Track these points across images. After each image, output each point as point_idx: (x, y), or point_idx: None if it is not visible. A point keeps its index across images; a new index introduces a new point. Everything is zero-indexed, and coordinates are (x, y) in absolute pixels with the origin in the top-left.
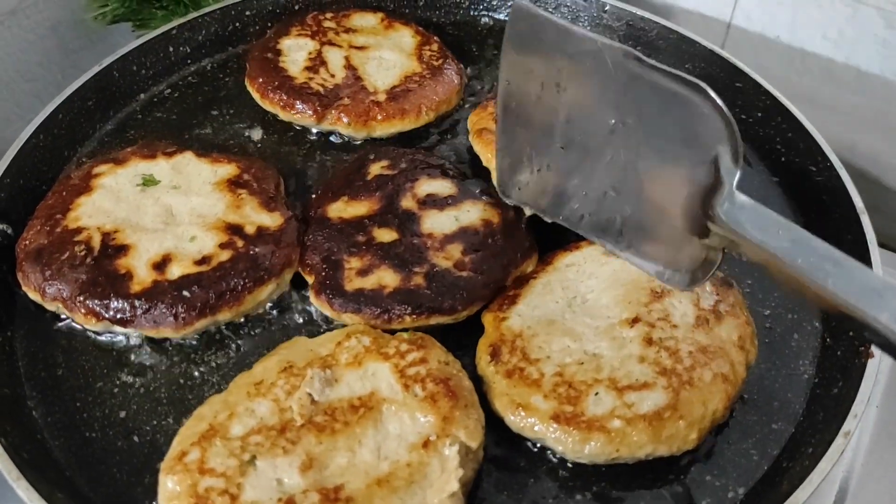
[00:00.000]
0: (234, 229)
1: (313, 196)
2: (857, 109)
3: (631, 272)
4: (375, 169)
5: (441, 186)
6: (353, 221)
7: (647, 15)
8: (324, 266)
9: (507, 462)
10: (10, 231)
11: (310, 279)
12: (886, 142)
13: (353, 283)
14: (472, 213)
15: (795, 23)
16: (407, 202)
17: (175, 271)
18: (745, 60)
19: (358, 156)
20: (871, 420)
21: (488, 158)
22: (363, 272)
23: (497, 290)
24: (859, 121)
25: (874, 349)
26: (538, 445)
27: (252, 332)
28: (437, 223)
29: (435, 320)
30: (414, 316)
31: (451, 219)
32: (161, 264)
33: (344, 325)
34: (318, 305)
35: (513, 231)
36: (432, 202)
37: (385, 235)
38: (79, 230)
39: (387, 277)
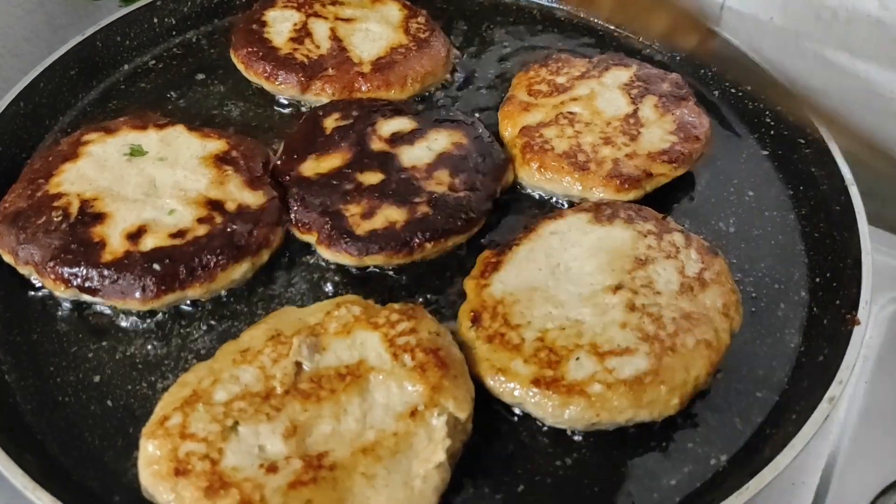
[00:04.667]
0: (215, 205)
1: (278, 163)
2: (850, 92)
3: (615, 240)
4: (330, 122)
5: (401, 124)
6: (333, 174)
7: None
8: (325, 219)
9: (487, 429)
10: None
11: (311, 237)
12: (883, 126)
13: (362, 227)
14: (440, 141)
15: (788, 4)
16: (376, 145)
17: (149, 243)
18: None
19: (307, 115)
20: (860, 396)
21: (504, 126)
22: (367, 215)
23: (493, 203)
24: (853, 104)
25: (860, 317)
26: (518, 412)
27: (231, 307)
28: (414, 156)
29: (452, 241)
30: (433, 242)
31: (424, 150)
32: (135, 235)
33: (331, 297)
34: (332, 256)
35: (485, 146)
36: (400, 139)
37: (371, 178)
38: (59, 196)
39: (393, 214)
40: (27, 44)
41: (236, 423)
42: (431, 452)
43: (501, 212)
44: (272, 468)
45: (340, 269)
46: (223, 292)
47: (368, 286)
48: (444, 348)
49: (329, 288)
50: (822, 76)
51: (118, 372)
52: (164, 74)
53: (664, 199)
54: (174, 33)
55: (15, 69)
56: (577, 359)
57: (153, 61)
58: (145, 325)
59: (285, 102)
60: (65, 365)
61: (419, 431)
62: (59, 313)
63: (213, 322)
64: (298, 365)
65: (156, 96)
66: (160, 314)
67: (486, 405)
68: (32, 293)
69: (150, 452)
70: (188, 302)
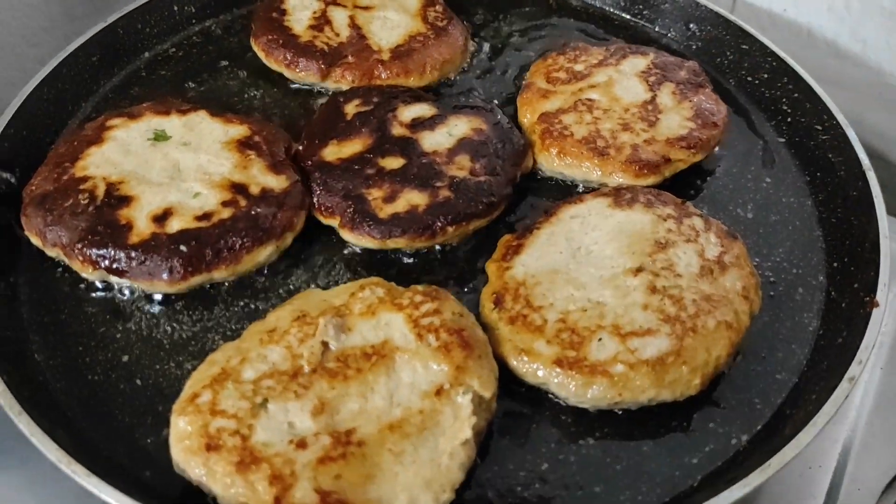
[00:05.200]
0: (239, 188)
1: (300, 148)
2: (863, 83)
3: (635, 224)
4: (351, 108)
5: (421, 109)
6: (354, 158)
7: None
8: (348, 203)
9: (511, 409)
10: (13, 180)
11: (333, 221)
12: (894, 116)
13: (384, 211)
14: (460, 126)
15: None
16: (397, 130)
17: (174, 225)
18: None
19: (328, 101)
20: (876, 382)
21: (523, 113)
22: (389, 199)
23: (514, 188)
24: (866, 95)
25: (878, 299)
26: (542, 392)
27: (256, 289)
28: (434, 141)
29: (474, 225)
30: (454, 225)
31: (444, 135)
32: (161, 217)
33: (353, 280)
34: (355, 239)
35: (504, 132)
36: (420, 125)
37: (393, 163)
38: (85, 179)
39: (415, 198)
40: (45, 34)
41: (265, 400)
42: (458, 430)
43: (521, 197)
44: (302, 444)
45: (363, 252)
46: (248, 274)
47: (390, 270)
48: (467, 329)
49: (352, 271)
50: (835, 67)
51: (146, 352)
52: (184, 62)
53: (682, 185)
54: (194, 21)
55: (33, 59)
56: (600, 339)
57: (173, 49)
58: (172, 307)
59: (306, 89)
60: (93, 345)
61: (445, 409)
62: (87, 295)
63: (238, 304)
64: (325, 345)
65: (176, 83)
66: (187, 296)
67: (510, 385)
68: (60, 275)
69: (182, 428)
70: (214, 284)
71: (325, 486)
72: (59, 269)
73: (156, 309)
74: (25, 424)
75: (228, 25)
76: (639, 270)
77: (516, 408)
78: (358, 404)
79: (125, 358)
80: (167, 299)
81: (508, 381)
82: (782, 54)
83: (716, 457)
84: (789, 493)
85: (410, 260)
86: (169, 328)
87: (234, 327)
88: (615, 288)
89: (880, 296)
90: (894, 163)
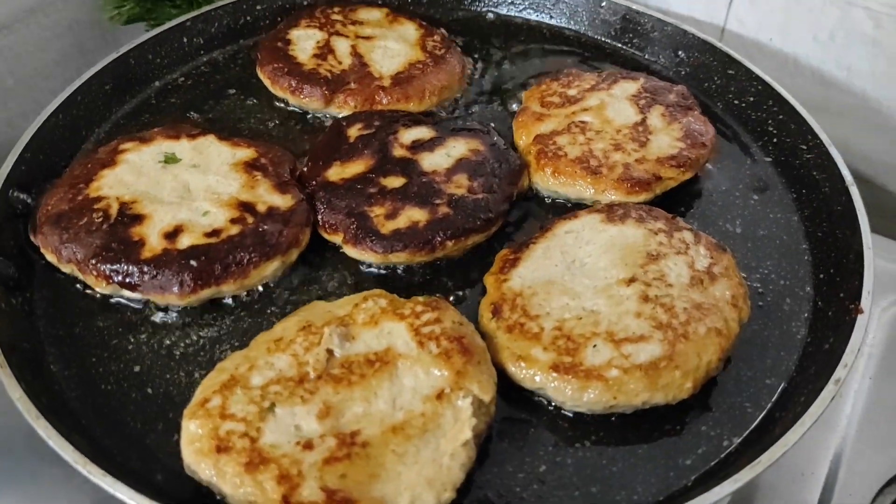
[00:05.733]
0: (246, 207)
1: (304, 169)
2: (849, 109)
3: (627, 238)
4: (353, 132)
5: (420, 132)
6: (357, 178)
7: (642, 9)
8: (351, 220)
9: (510, 415)
10: (29, 201)
11: (336, 238)
12: (879, 141)
13: (386, 227)
14: (458, 147)
15: (787, 25)
16: (398, 151)
17: (185, 241)
18: None
19: (331, 125)
20: (865, 392)
21: (519, 135)
22: (390, 216)
23: (510, 205)
24: (852, 120)
25: (863, 306)
26: (539, 398)
27: (262, 302)
28: (433, 162)
29: (472, 240)
30: (454, 240)
31: (443, 156)
32: (172, 234)
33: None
34: (358, 254)
35: (501, 153)
36: (420, 146)
37: (394, 182)
38: (99, 199)
39: (415, 214)
40: (57, 66)
41: (273, 404)
42: (458, 431)
43: (518, 214)
44: (308, 445)
45: (366, 266)
46: (255, 289)
47: (392, 284)
48: (467, 336)
49: (355, 285)
50: (821, 94)
51: (157, 362)
52: (192, 90)
53: (673, 203)
54: (201, 52)
55: (45, 90)
56: (594, 346)
57: (182, 78)
58: (181, 320)
59: (309, 115)
60: (106, 356)
61: (446, 412)
62: (99, 309)
63: (246, 316)
64: (330, 352)
65: (185, 110)
66: (196, 309)
67: (508, 391)
68: (73, 290)
69: (193, 431)
70: (222, 297)
71: (331, 484)
72: (73, 285)
73: (166, 321)
74: (43, 428)
75: (234, 56)
76: (631, 280)
77: (514, 413)
78: (362, 408)
79: (137, 368)
80: (177, 312)
81: (507, 387)
82: (767, 78)
83: (708, 458)
84: (782, 500)
85: (411, 274)
86: (179, 340)
87: (241, 338)
88: (609, 297)
89: (864, 303)
90: (880, 185)
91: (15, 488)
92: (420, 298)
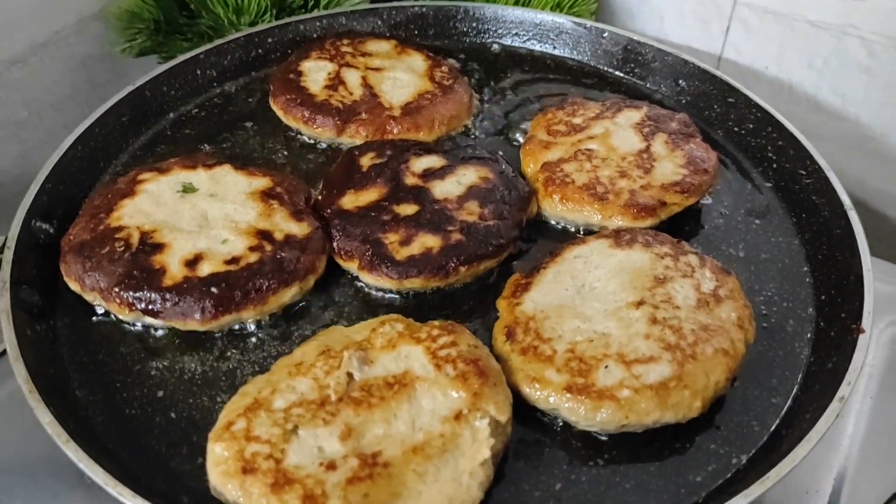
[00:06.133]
0: (264, 235)
1: (318, 198)
2: (843, 135)
3: (635, 262)
4: (366, 161)
5: (431, 161)
6: (371, 206)
7: (643, 39)
8: (366, 247)
9: (525, 436)
10: (51, 230)
11: (352, 264)
12: (874, 167)
13: (401, 253)
14: (469, 175)
15: (782, 54)
16: (410, 180)
17: (205, 269)
18: None
19: (344, 154)
20: (866, 411)
21: (526, 163)
22: (405, 242)
23: (520, 231)
24: (847, 146)
25: (864, 325)
26: (554, 420)
27: (281, 328)
28: (445, 189)
29: (484, 265)
30: (467, 266)
31: (454, 184)
32: (193, 262)
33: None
34: (374, 280)
35: (510, 181)
36: (432, 174)
37: (407, 210)
38: (120, 228)
39: (429, 241)
40: (69, 100)
41: (296, 426)
42: (476, 451)
43: (528, 240)
44: (331, 466)
45: (381, 293)
46: (274, 314)
47: (407, 309)
48: (483, 359)
49: (371, 310)
50: (816, 121)
51: (179, 387)
52: (206, 121)
53: (678, 228)
54: (214, 85)
55: (58, 123)
56: (606, 367)
57: (196, 110)
58: (203, 346)
59: (321, 145)
60: (129, 381)
61: (464, 433)
62: (122, 336)
63: (265, 341)
64: (350, 375)
65: (200, 141)
66: (216, 335)
67: (523, 413)
68: (96, 318)
69: (219, 454)
70: (242, 323)
71: (355, 503)
72: (96, 312)
73: (187, 347)
74: (73, 451)
75: (247, 87)
76: (640, 303)
77: (530, 435)
78: (382, 429)
79: (160, 393)
80: (198, 339)
81: (521, 408)
82: (766, 105)
83: (718, 475)
84: None
85: (425, 299)
86: (201, 366)
87: (262, 364)
88: (619, 320)
89: (866, 323)
90: (875, 209)
91: None
92: (436, 322)
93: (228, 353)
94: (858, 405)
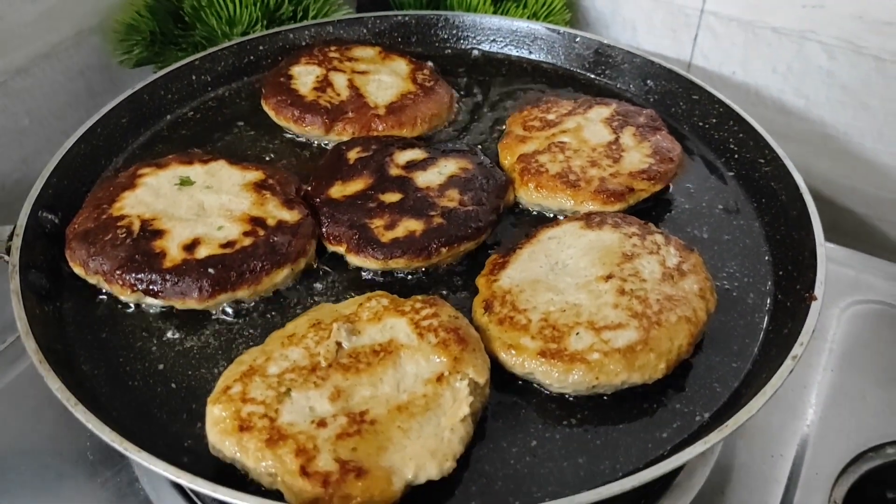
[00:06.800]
0: (257, 221)
1: (308, 189)
2: (808, 136)
3: (605, 241)
4: (353, 155)
5: (414, 154)
6: (357, 195)
7: (613, 42)
8: (353, 231)
9: (502, 400)
10: (56, 220)
11: (340, 248)
12: (838, 164)
13: (386, 236)
14: (450, 167)
15: (747, 59)
16: (394, 171)
17: (202, 252)
18: None
19: (332, 149)
20: (827, 384)
21: (504, 156)
22: (389, 227)
23: (498, 216)
24: (811, 146)
25: (816, 293)
26: (529, 384)
27: (273, 307)
28: (427, 179)
29: (464, 247)
30: (447, 247)
31: (436, 174)
32: (191, 246)
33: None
34: (361, 262)
35: (488, 170)
36: (414, 166)
37: (391, 197)
38: (122, 217)
39: (412, 225)
40: (69, 107)
41: (289, 389)
42: (457, 408)
43: (505, 225)
44: (322, 423)
45: (368, 274)
46: (267, 294)
47: (392, 289)
48: (462, 328)
49: (358, 290)
50: (782, 122)
51: (179, 361)
52: (202, 123)
53: (645, 213)
54: (209, 89)
55: (58, 131)
56: (577, 333)
57: (191, 112)
58: (201, 324)
59: (310, 143)
60: (132, 356)
61: (445, 393)
62: (124, 315)
63: (259, 319)
64: (338, 345)
65: (196, 141)
66: (213, 313)
67: (501, 379)
68: (99, 299)
69: (217, 414)
70: (237, 302)
71: (344, 456)
72: (99, 294)
73: (185, 325)
74: (82, 413)
75: (239, 91)
76: (609, 277)
77: (507, 399)
78: (369, 391)
79: (161, 366)
80: (196, 317)
81: (499, 376)
82: (728, 101)
83: (682, 431)
84: (756, 479)
85: (410, 278)
86: (198, 341)
87: (256, 339)
88: (589, 292)
89: (818, 291)
90: (840, 205)
91: (44, 490)
92: (418, 297)
93: (225, 330)
94: (820, 377)
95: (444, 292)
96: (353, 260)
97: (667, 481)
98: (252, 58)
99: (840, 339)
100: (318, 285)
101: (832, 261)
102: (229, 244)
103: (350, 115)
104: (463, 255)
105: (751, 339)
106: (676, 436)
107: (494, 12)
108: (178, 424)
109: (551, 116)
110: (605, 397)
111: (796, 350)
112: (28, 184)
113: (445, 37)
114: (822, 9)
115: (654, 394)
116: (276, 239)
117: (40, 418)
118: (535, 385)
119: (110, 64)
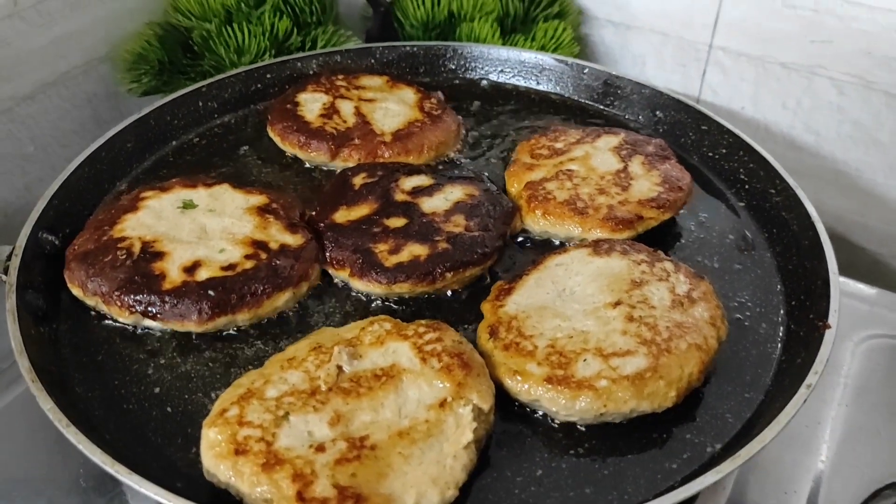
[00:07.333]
0: (260, 245)
1: (312, 213)
2: (819, 171)
3: (613, 268)
4: (358, 180)
5: (420, 180)
6: (362, 220)
7: (622, 74)
8: (357, 255)
9: (507, 428)
10: (57, 242)
11: (343, 272)
12: (850, 200)
13: (390, 261)
14: (456, 193)
15: (757, 95)
16: (400, 196)
17: (203, 274)
18: None
19: (337, 175)
20: (842, 418)
21: (511, 183)
22: (394, 251)
23: (504, 242)
24: (823, 182)
25: (830, 321)
26: (535, 412)
27: (274, 331)
28: (433, 205)
29: (469, 272)
30: (452, 272)
31: (442, 200)
32: (191, 268)
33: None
34: (364, 286)
35: (494, 197)
36: (420, 192)
37: (397, 222)
38: (122, 239)
39: (416, 249)
40: (74, 135)
41: (287, 413)
42: (460, 435)
43: (511, 253)
44: (320, 448)
45: (370, 299)
46: (268, 318)
47: (397, 316)
48: (466, 353)
49: (361, 315)
50: (793, 158)
51: (175, 385)
52: (207, 149)
53: (654, 241)
54: (215, 115)
55: (62, 158)
56: (585, 360)
57: (197, 138)
58: (199, 347)
59: (315, 171)
60: (128, 380)
61: (448, 419)
62: (121, 337)
63: (259, 343)
64: (339, 368)
65: (201, 167)
66: (212, 336)
67: (506, 406)
68: (96, 321)
69: (212, 438)
70: (237, 326)
71: (343, 482)
72: (96, 316)
73: (183, 348)
74: (73, 434)
75: (245, 118)
76: (617, 304)
77: (512, 427)
78: (370, 416)
79: (157, 390)
80: (195, 341)
81: (505, 403)
82: (737, 131)
83: (693, 462)
84: None
85: (414, 304)
86: (196, 365)
87: (255, 363)
88: (597, 318)
89: (832, 320)
90: (854, 243)
91: None
92: (422, 321)
93: (223, 354)
94: (834, 413)
95: (449, 318)
96: (357, 284)
97: None
98: (259, 85)
99: (854, 374)
100: (320, 310)
101: (845, 294)
102: (230, 267)
103: (356, 141)
104: (468, 282)
105: (763, 370)
106: (686, 467)
107: (503, 44)
108: (172, 448)
109: (559, 145)
110: (612, 426)
111: (811, 379)
112: (30, 210)
113: (454, 67)
114: (830, 44)
115: (664, 423)
116: (278, 262)
117: (33, 445)
118: (541, 413)
119: (117, 92)
